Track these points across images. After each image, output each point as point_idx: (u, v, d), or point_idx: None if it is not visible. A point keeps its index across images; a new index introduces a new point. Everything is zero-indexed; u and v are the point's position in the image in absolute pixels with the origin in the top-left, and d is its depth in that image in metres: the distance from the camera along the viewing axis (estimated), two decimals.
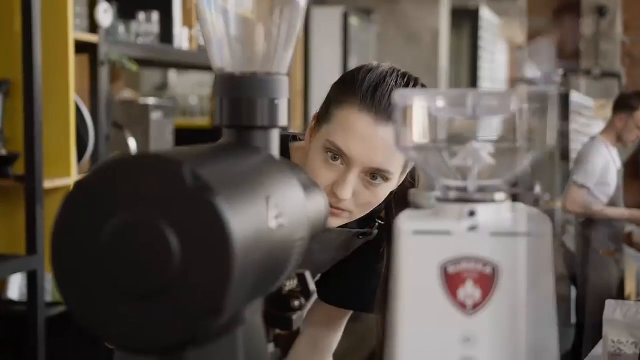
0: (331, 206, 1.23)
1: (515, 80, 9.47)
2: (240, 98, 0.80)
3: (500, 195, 0.70)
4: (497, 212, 0.69)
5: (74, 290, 0.62)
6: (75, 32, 2.51)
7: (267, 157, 0.76)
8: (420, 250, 0.68)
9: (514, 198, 0.75)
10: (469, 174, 0.71)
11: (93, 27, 2.62)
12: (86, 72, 2.63)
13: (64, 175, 2.45)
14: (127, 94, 3.93)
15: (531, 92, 0.70)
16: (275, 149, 0.81)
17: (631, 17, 9.51)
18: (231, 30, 0.81)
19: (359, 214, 1.27)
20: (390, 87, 1.23)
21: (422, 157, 0.72)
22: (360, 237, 1.38)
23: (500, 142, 0.72)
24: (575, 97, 7.04)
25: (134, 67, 2.76)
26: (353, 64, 6.26)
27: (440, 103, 0.71)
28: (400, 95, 0.70)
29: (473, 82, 7.34)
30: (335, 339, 1.48)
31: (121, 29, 2.89)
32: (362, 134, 1.20)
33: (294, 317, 0.85)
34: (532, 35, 9.76)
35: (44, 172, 2.35)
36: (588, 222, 4.31)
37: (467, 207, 0.69)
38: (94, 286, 0.61)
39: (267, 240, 0.66)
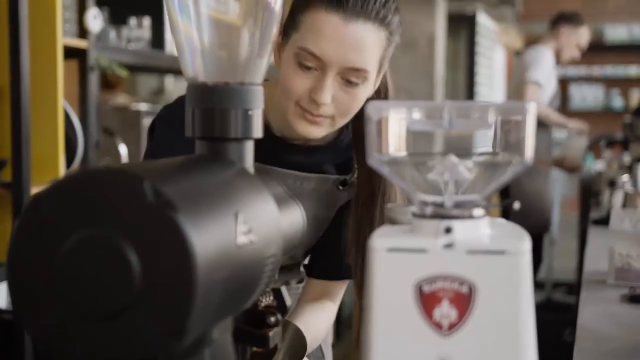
0: (312, 114, 1.21)
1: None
2: (213, 108, 0.77)
3: (478, 211, 0.68)
4: (475, 229, 0.67)
5: (30, 309, 0.59)
6: (65, 38, 2.48)
7: (239, 171, 0.74)
8: (394, 269, 0.66)
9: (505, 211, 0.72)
10: (446, 189, 0.68)
11: (83, 32, 2.60)
12: (75, 77, 2.61)
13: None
14: (122, 99, 3.91)
15: (507, 106, 0.68)
16: (249, 161, 0.79)
17: None
18: (203, 38, 0.79)
19: (341, 120, 1.24)
20: None
21: (397, 171, 0.70)
22: (341, 187, 1.36)
23: (478, 156, 0.70)
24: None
25: (123, 73, 2.73)
26: None
27: (416, 115, 0.68)
28: (374, 108, 0.68)
29: (470, 87, 7.31)
30: (333, 311, 1.45)
31: (112, 34, 2.87)
32: (333, 34, 1.18)
33: (270, 333, 0.82)
34: (529, 41, 9.77)
35: (31, 179, 2.32)
36: None
37: (444, 224, 0.67)
38: (50, 306, 0.59)
39: (234, 258, 0.63)
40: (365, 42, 1.18)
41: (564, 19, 4.43)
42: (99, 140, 2.65)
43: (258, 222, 0.69)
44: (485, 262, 0.65)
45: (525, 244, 0.66)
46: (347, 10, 1.17)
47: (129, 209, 0.57)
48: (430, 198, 0.69)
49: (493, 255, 0.65)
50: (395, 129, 0.69)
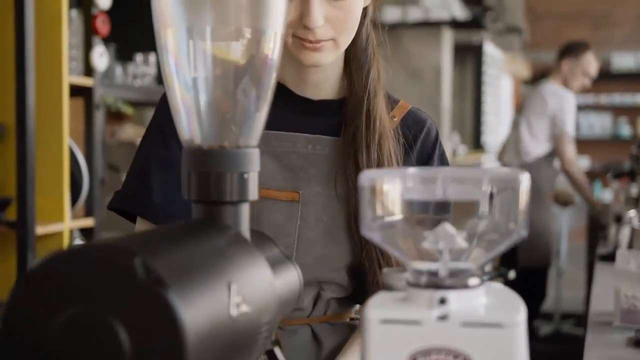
0: (310, 41, 1.15)
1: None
2: (209, 172, 0.77)
3: (473, 280, 0.67)
4: (470, 299, 0.66)
5: None
6: (71, 76, 2.50)
7: (233, 237, 0.74)
8: (388, 340, 0.65)
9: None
10: (441, 258, 0.68)
11: (89, 70, 2.61)
12: (81, 115, 2.62)
13: (57, 220, 2.42)
14: (129, 130, 3.92)
15: (502, 175, 0.67)
16: (244, 225, 0.79)
17: None
18: (200, 100, 0.79)
19: (343, 39, 1.17)
20: None
21: (390, 239, 0.69)
22: None
23: (473, 224, 0.70)
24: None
25: (129, 111, 2.75)
26: None
27: (410, 184, 0.68)
28: (366, 177, 0.68)
29: (477, 116, 7.32)
30: None
31: (118, 70, 2.88)
32: None
33: None
34: (536, 69, 9.80)
35: (36, 217, 2.32)
36: (535, 164, 4.35)
37: (438, 294, 0.66)
38: None
39: (227, 330, 0.63)
40: None
41: (565, 51, 4.44)
42: (104, 178, 2.66)
43: (252, 290, 0.68)
44: (480, 335, 0.64)
45: (521, 315, 0.65)
46: None
47: (120, 285, 0.57)
48: (424, 266, 0.69)
49: (488, 327, 0.64)
50: (388, 198, 0.68)
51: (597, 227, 4.46)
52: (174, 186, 1.12)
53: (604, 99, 9.88)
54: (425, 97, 5.31)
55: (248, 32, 0.78)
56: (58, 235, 2.44)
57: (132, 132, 3.86)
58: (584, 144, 10.01)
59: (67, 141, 2.45)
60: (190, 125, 0.79)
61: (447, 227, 0.68)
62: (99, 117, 2.61)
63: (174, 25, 0.77)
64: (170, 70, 0.78)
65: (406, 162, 1.26)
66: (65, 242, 2.46)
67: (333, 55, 1.17)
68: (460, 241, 0.67)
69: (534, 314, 4.44)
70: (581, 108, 9.96)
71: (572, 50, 4.41)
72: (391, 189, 0.68)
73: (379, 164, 1.20)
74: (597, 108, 9.98)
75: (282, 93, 1.26)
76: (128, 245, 0.59)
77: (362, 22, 1.22)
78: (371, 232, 0.69)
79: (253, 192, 0.79)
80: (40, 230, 2.34)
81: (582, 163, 9.89)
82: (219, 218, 0.77)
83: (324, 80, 1.26)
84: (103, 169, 2.68)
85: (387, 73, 1.29)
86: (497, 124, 8.11)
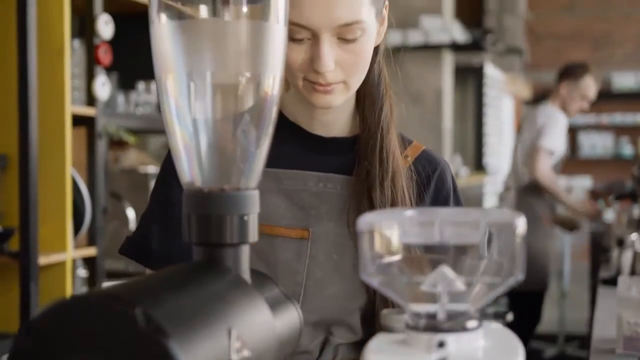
0: (321, 84, 1.14)
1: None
2: (209, 215, 0.78)
3: (472, 323, 0.68)
4: (469, 342, 0.67)
5: None
6: (73, 106, 2.51)
7: (234, 280, 0.74)
8: None
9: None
10: (439, 300, 0.68)
11: (91, 99, 2.63)
12: (84, 144, 2.63)
13: (60, 250, 2.43)
14: (132, 155, 3.94)
15: (498, 219, 0.68)
16: (244, 266, 0.79)
17: None
18: (200, 144, 0.80)
19: (354, 81, 1.16)
20: None
21: (389, 282, 0.70)
22: None
23: (471, 267, 0.70)
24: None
25: (130, 140, 2.76)
26: None
27: (407, 227, 0.69)
28: (364, 222, 0.68)
29: (478, 138, 7.33)
30: None
31: (120, 98, 2.90)
32: None
33: None
34: (537, 89, 9.82)
35: (39, 247, 2.33)
36: (531, 187, 4.33)
37: (437, 338, 0.66)
38: None
39: None
40: None
41: (564, 73, 4.46)
42: (106, 207, 2.67)
43: (252, 334, 0.69)
44: None
45: (519, 358, 0.66)
46: None
47: (121, 335, 0.58)
48: (422, 308, 0.69)
49: None
50: (386, 241, 0.69)
51: (599, 249, 4.45)
52: (174, 232, 1.13)
53: (606, 118, 9.90)
54: (426, 120, 5.32)
55: (247, 76, 0.79)
56: (61, 265, 2.45)
57: (135, 158, 3.87)
58: (585, 164, 10.02)
59: (70, 171, 2.46)
60: (190, 168, 0.80)
61: (445, 270, 0.68)
62: (101, 146, 2.63)
63: (175, 71, 0.78)
64: (171, 113, 0.79)
65: (420, 203, 1.24)
66: (68, 272, 2.46)
67: (344, 97, 1.17)
68: (459, 284, 0.68)
69: (528, 337, 4.44)
70: (582, 128, 9.98)
71: (570, 73, 4.42)
72: (389, 233, 0.69)
73: (393, 202, 1.20)
74: (598, 128, 10.00)
75: (295, 131, 1.26)
76: (129, 294, 0.59)
77: (374, 59, 1.22)
78: (370, 276, 0.70)
79: (253, 234, 0.80)
80: (42, 260, 2.35)
81: (584, 183, 9.90)
82: (219, 260, 0.78)
83: (335, 118, 1.25)
84: (105, 198, 2.69)
85: (399, 110, 1.28)
86: (498, 145, 8.12)
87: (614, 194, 4.73)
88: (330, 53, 1.11)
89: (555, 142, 4.31)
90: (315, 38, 1.11)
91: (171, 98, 0.79)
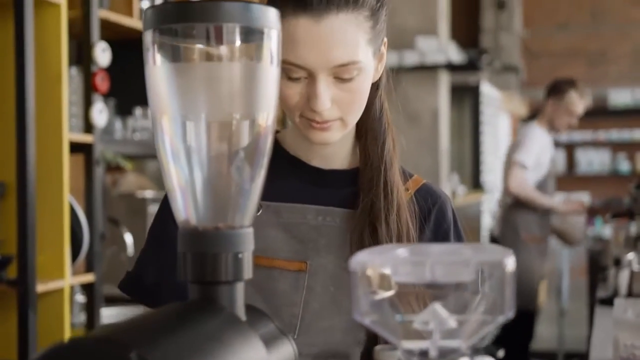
0: (317, 122, 1.15)
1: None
2: (204, 253, 0.79)
3: None
4: None
5: None
6: (71, 133, 2.53)
7: (228, 318, 0.75)
8: None
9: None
10: (431, 337, 0.69)
11: (88, 126, 2.64)
12: (81, 171, 2.64)
13: (58, 277, 2.43)
14: (131, 178, 3.95)
15: (488, 259, 0.69)
16: (239, 302, 0.80)
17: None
18: (195, 183, 0.81)
19: (351, 118, 1.17)
20: None
21: (381, 320, 0.71)
22: None
23: (462, 304, 0.71)
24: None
25: (128, 166, 2.77)
26: None
27: (399, 267, 0.70)
28: (356, 262, 0.70)
29: (475, 156, 7.35)
30: None
31: (118, 124, 2.92)
32: (306, 37, 1.10)
33: None
34: (533, 107, 9.86)
35: (37, 274, 2.34)
36: (515, 206, 4.32)
37: None
38: None
39: None
40: (343, 34, 1.11)
41: (550, 90, 4.46)
42: (104, 233, 2.67)
43: None
44: None
45: None
46: (314, 8, 1.10)
47: None
48: (415, 345, 0.70)
49: None
50: (378, 280, 0.70)
51: (597, 267, 4.46)
52: (169, 270, 1.14)
53: (602, 135, 9.94)
54: (423, 141, 5.34)
55: (241, 116, 0.80)
56: (59, 292, 2.45)
57: (134, 182, 3.88)
58: (583, 180, 10.05)
59: (67, 198, 2.47)
60: (185, 207, 0.81)
61: (437, 308, 0.69)
62: (99, 172, 2.64)
63: (170, 111, 0.79)
64: (166, 152, 0.81)
65: (421, 236, 1.25)
66: (66, 299, 2.47)
67: (341, 133, 1.18)
68: (451, 321, 0.69)
69: (525, 355, 4.43)
70: (580, 144, 10.01)
71: (555, 89, 4.42)
72: (381, 272, 0.70)
73: (399, 236, 1.20)
74: (595, 144, 10.03)
75: (295, 164, 1.27)
76: (124, 337, 0.60)
77: (375, 94, 1.23)
78: (362, 315, 0.71)
79: (248, 271, 0.81)
80: (41, 287, 2.35)
81: (582, 199, 9.92)
82: (214, 298, 0.79)
83: (334, 151, 1.26)
84: (103, 224, 2.70)
85: (401, 144, 1.28)
86: (495, 163, 8.15)
87: (611, 211, 4.73)
88: (326, 92, 1.12)
89: (528, 156, 4.30)
90: (311, 77, 1.12)
91: (166, 137, 0.80)
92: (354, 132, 1.26)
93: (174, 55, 0.79)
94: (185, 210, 0.81)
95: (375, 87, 1.22)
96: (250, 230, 0.82)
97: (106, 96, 2.79)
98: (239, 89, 0.80)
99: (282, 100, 1.14)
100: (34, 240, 2.33)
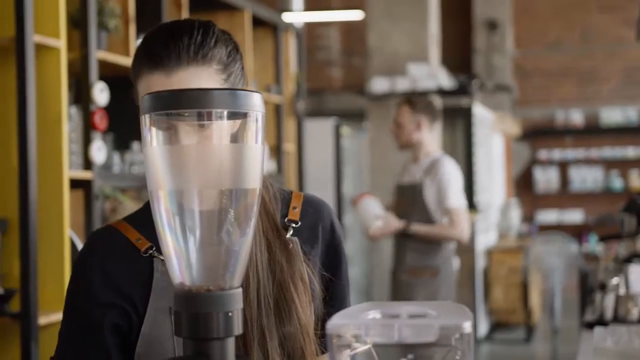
0: None
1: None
2: (197, 313, 0.88)
3: None
4: None
5: None
6: (71, 170, 2.61)
7: None
8: None
9: None
10: None
11: (88, 163, 2.73)
12: (81, 206, 2.73)
13: (60, 309, 2.50)
14: (129, 205, 4.02)
15: (448, 324, 0.78)
16: (230, 356, 0.89)
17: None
18: (189, 250, 0.90)
19: None
20: (170, 30, 1.22)
21: None
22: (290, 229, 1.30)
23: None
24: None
25: (126, 201, 2.86)
26: (346, 171, 6.39)
27: (370, 330, 0.79)
28: (333, 326, 0.78)
29: (469, 176, 7.42)
30: None
31: (116, 158, 3.00)
32: (160, 90, 1.10)
33: None
34: (526, 125, 9.98)
35: (39, 307, 2.42)
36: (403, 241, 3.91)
37: None
38: None
39: None
40: (195, 85, 1.20)
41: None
42: None
43: None
44: None
45: None
46: (164, 64, 1.19)
47: None
48: None
49: None
50: (352, 342, 0.79)
51: (587, 286, 4.52)
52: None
53: (595, 152, 10.05)
54: None
55: (230, 189, 0.90)
56: (60, 325, 2.53)
57: (132, 209, 3.97)
58: (576, 198, 10.15)
59: (68, 233, 2.55)
60: (180, 271, 0.90)
61: None
62: (98, 207, 2.73)
63: (165, 188, 0.88)
64: (162, 223, 0.90)
65: (314, 249, 1.31)
66: None
67: None
68: None
69: None
70: (573, 162, 10.12)
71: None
72: (354, 335, 0.79)
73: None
74: (588, 162, 10.13)
75: None
76: None
77: None
78: None
79: (237, 328, 0.90)
80: (43, 320, 2.43)
81: (575, 216, 10.03)
82: (207, 353, 0.88)
83: None
84: None
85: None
86: (489, 183, 8.24)
87: (604, 229, 4.78)
88: (190, 139, 1.13)
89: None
90: (174, 129, 1.11)
91: (162, 210, 0.89)
92: None
93: (169, 138, 0.88)
94: (180, 274, 0.91)
95: None
96: (239, 290, 0.91)
97: (104, 132, 2.88)
98: (228, 165, 0.89)
99: None
100: (35, 274, 2.41)
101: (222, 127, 0.88)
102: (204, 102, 0.87)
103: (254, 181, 0.90)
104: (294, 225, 1.30)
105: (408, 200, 3.91)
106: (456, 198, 3.84)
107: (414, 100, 4.03)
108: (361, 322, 0.80)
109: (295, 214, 1.32)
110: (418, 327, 0.79)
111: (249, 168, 0.89)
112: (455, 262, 4.09)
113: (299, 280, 1.26)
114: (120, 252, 1.27)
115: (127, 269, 1.27)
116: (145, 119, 0.89)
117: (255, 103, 0.89)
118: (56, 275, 2.52)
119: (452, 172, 3.92)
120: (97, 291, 1.24)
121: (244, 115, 0.89)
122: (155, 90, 1.13)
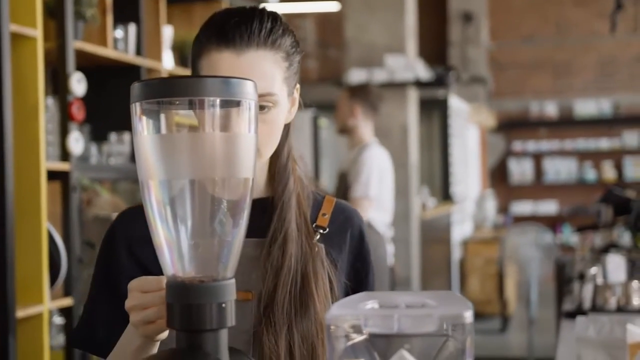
0: None
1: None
2: (190, 304, 0.86)
3: None
4: None
5: None
6: (48, 162, 2.58)
7: None
8: None
9: None
10: None
11: (65, 154, 2.69)
12: (58, 197, 2.69)
13: (37, 302, 2.48)
14: (105, 197, 3.98)
15: (449, 314, 0.77)
16: (223, 348, 0.88)
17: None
18: (181, 242, 0.88)
19: (266, 150, 1.24)
20: (241, 13, 1.23)
21: None
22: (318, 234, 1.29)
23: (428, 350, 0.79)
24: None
25: (103, 192, 2.83)
26: (324, 163, 6.39)
27: (369, 320, 0.77)
28: (331, 316, 0.77)
29: (445, 167, 7.45)
30: None
31: (93, 150, 2.97)
32: (228, 68, 1.19)
33: None
34: (501, 117, 10.02)
35: (16, 300, 2.38)
36: None
37: None
38: None
39: None
40: (261, 68, 1.21)
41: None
42: (81, 257, 2.73)
43: None
44: None
45: None
46: (236, 44, 1.20)
47: None
48: None
49: None
50: (350, 332, 0.78)
51: (564, 277, 4.53)
52: (120, 318, 1.14)
53: (569, 144, 10.11)
54: (393, 156, 5.40)
55: (222, 178, 0.88)
56: (38, 317, 2.50)
57: (108, 201, 3.92)
58: (550, 189, 10.21)
59: (46, 225, 2.52)
60: (172, 263, 0.89)
61: (404, 354, 0.77)
62: (75, 199, 2.69)
63: (156, 177, 0.87)
64: (154, 214, 0.88)
65: (340, 256, 1.31)
66: (45, 324, 2.52)
67: (257, 164, 1.22)
68: None
69: None
70: (547, 154, 10.18)
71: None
72: (353, 325, 0.78)
73: (279, 266, 1.24)
74: (562, 153, 10.20)
75: None
76: None
77: (285, 138, 1.30)
78: None
79: (231, 319, 0.88)
80: (20, 313, 2.40)
81: (549, 207, 10.10)
82: (200, 345, 0.86)
83: None
84: (80, 248, 2.75)
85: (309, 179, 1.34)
86: (465, 174, 8.27)
87: (578, 219, 4.80)
88: None
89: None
90: None
91: (154, 201, 0.87)
92: (267, 165, 1.31)
93: (160, 126, 0.86)
94: (172, 266, 0.89)
95: (286, 130, 1.30)
96: (232, 281, 0.89)
97: (82, 123, 2.85)
98: (220, 154, 0.87)
99: None
100: (13, 267, 2.38)
101: (214, 115, 0.86)
102: (196, 90, 0.86)
103: (246, 170, 0.89)
104: (321, 231, 1.30)
105: (340, 188, 3.95)
106: (361, 188, 3.81)
107: (354, 87, 4.16)
108: (360, 313, 0.78)
109: (324, 220, 1.32)
110: (418, 317, 0.78)
111: (241, 156, 0.88)
112: (389, 249, 4.02)
113: (320, 281, 1.26)
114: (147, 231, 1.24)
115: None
116: (136, 107, 0.87)
117: (249, 91, 0.88)
118: (34, 269, 2.49)
119: (369, 160, 3.89)
120: (125, 263, 1.24)
121: (237, 104, 0.87)
122: (223, 68, 1.19)
